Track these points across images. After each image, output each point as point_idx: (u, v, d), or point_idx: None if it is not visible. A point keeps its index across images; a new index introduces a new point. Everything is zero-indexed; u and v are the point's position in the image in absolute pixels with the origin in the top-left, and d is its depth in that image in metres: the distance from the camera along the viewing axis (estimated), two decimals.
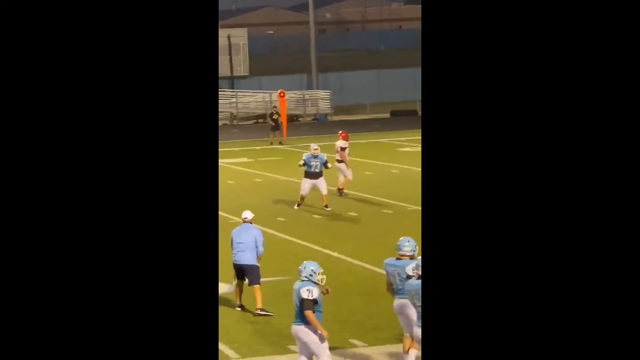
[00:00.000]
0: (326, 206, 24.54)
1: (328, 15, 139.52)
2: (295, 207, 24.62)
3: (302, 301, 11.54)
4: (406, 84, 61.01)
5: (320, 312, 11.66)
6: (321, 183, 24.36)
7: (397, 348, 13.14)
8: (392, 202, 25.62)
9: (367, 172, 30.92)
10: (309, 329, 11.60)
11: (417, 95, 57.53)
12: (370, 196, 26.55)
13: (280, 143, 40.97)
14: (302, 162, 24.40)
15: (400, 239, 12.85)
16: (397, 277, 12.44)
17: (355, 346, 13.66)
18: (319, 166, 24.22)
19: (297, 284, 11.73)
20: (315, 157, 24.25)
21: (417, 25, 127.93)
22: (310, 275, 11.66)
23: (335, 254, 19.76)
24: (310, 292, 11.49)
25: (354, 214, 24.19)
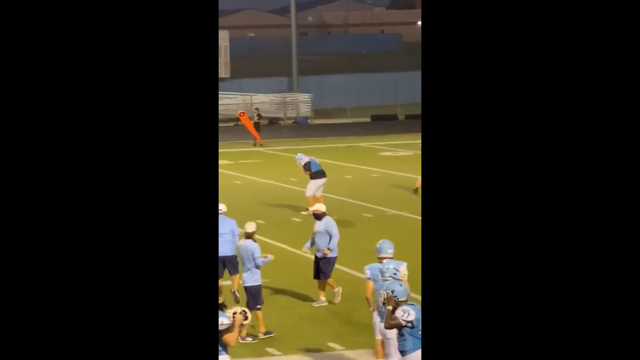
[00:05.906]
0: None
1: (310, 18, 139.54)
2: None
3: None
4: (387, 88, 61.03)
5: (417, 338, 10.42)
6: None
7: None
8: (372, 206, 25.64)
9: (347, 176, 30.93)
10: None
11: (398, 99, 57.64)
12: (350, 200, 26.58)
13: (259, 145, 40.94)
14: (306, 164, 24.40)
15: (381, 241, 13.01)
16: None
17: (333, 349, 13.70)
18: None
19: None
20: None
21: (399, 29, 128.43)
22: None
23: None
24: (407, 314, 10.28)
25: (334, 218, 24.15)
